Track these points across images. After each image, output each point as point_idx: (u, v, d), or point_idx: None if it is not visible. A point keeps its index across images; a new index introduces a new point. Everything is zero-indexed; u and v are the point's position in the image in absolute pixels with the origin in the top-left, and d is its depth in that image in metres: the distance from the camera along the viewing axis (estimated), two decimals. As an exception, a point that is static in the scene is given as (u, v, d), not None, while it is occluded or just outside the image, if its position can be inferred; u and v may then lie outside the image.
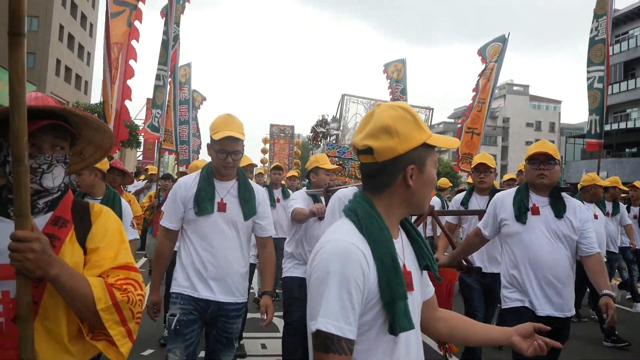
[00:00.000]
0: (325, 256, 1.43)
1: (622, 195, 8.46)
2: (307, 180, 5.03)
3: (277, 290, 7.77)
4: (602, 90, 8.39)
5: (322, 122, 7.99)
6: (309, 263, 1.51)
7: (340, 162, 6.42)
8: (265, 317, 3.31)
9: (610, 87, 44.63)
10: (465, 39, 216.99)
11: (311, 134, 8.35)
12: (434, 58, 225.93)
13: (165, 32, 9.07)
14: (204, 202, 3.19)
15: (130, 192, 8.43)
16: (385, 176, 1.53)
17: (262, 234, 3.43)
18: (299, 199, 4.74)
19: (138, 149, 35.51)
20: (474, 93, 10.32)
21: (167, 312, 3.28)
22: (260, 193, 3.42)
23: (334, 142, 7.39)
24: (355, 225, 1.51)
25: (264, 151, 24.95)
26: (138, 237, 4.40)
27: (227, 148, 3.17)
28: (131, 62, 5.15)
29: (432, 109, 15.09)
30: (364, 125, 1.57)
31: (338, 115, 7.69)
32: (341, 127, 7.61)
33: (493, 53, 10.41)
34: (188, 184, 3.29)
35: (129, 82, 5.34)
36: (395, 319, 1.43)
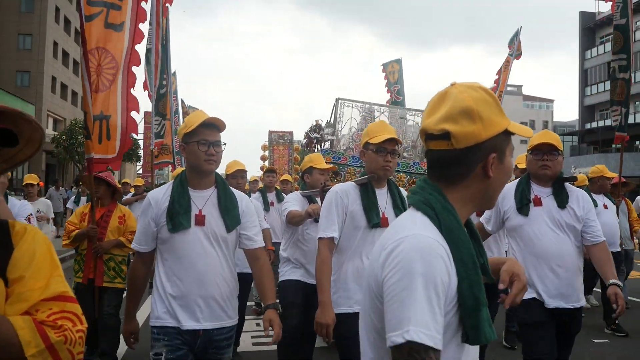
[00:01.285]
0: (405, 254, 1.25)
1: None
2: (302, 182, 4.83)
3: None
4: (627, 80, 7.90)
5: (316, 128, 7.74)
6: (380, 264, 1.30)
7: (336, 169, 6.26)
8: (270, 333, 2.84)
9: (595, 86, 44.15)
10: (460, 42, 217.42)
11: (305, 140, 8.12)
12: (432, 62, 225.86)
13: (152, 40, 8.80)
14: (178, 215, 2.73)
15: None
16: (463, 165, 1.36)
17: (250, 246, 2.95)
18: (294, 201, 4.49)
19: (138, 163, 35.38)
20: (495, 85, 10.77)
21: (151, 350, 2.81)
22: (244, 200, 2.98)
23: (329, 147, 7.20)
24: (432, 220, 1.33)
25: (263, 158, 24.78)
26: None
27: (208, 137, 2.75)
28: (134, 68, 4.83)
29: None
30: (436, 106, 1.39)
31: (332, 120, 7.47)
32: (336, 132, 7.41)
33: (515, 47, 10.80)
34: (159, 197, 2.83)
35: (133, 91, 4.99)
36: (479, 328, 1.27)
